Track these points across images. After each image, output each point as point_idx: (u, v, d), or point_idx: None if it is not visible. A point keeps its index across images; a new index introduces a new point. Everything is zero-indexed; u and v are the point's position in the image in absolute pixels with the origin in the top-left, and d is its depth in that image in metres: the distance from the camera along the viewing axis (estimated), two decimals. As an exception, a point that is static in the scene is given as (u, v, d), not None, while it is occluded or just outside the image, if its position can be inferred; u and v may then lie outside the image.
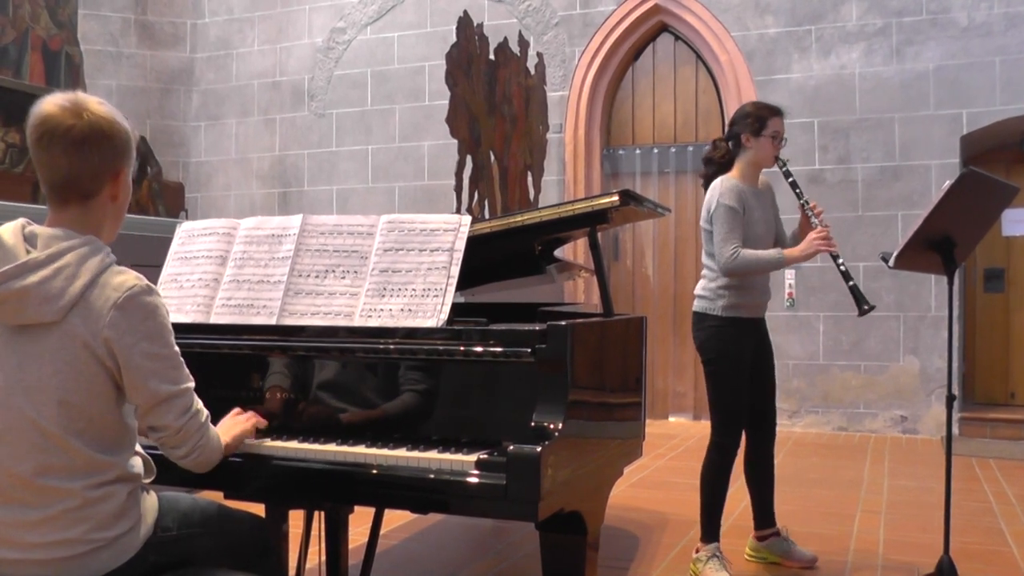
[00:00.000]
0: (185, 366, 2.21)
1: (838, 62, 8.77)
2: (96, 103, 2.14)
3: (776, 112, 4.25)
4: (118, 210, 2.24)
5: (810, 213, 4.15)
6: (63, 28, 9.19)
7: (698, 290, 4.31)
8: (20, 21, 8.75)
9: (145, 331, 2.08)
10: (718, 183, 4.20)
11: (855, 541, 4.90)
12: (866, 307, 3.96)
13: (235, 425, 2.57)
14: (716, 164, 4.33)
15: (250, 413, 2.65)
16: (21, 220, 2.13)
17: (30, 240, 2.08)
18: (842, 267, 4.04)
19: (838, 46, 8.77)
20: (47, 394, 2.03)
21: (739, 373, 4.20)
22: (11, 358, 2.05)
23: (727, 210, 4.10)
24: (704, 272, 4.29)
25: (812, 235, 4.09)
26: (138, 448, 2.27)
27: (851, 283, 4.01)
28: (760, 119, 4.21)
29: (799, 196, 4.17)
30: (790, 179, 4.20)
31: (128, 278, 2.09)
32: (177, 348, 2.18)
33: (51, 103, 2.10)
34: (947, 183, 3.67)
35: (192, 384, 2.22)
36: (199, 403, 2.23)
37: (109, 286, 2.06)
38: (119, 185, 2.20)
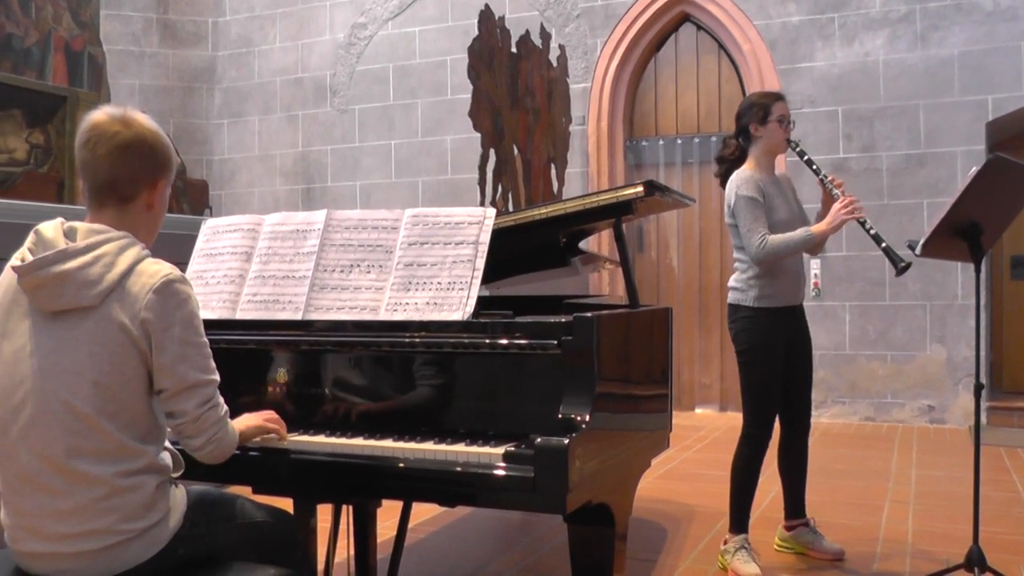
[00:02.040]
0: (212, 359, 2.25)
1: (862, 49, 8.71)
2: (144, 118, 2.28)
3: (778, 97, 4.28)
4: (153, 220, 2.33)
5: (830, 186, 4.14)
6: (85, 29, 9.24)
7: (731, 282, 4.31)
8: (43, 23, 8.80)
9: (180, 317, 2.15)
10: (734, 177, 4.21)
11: (883, 532, 4.87)
12: (902, 264, 3.89)
13: (255, 418, 2.61)
14: (728, 161, 4.35)
15: (274, 416, 2.67)
16: (60, 219, 2.22)
17: (69, 235, 2.16)
18: (871, 231, 3.99)
19: (862, 33, 8.71)
20: (82, 376, 2.08)
21: (771, 364, 4.18)
22: (47, 343, 2.11)
23: (747, 201, 4.09)
24: (736, 264, 4.28)
25: (836, 206, 4.07)
26: (167, 444, 2.30)
27: (883, 244, 3.94)
28: (764, 107, 4.23)
29: (816, 172, 4.17)
30: (805, 157, 4.22)
31: (164, 267, 2.18)
32: (207, 339, 2.24)
33: (103, 112, 2.24)
34: (973, 169, 3.64)
35: (217, 378, 2.25)
36: (220, 399, 2.27)
37: (146, 273, 2.14)
38: (156, 195, 2.30)
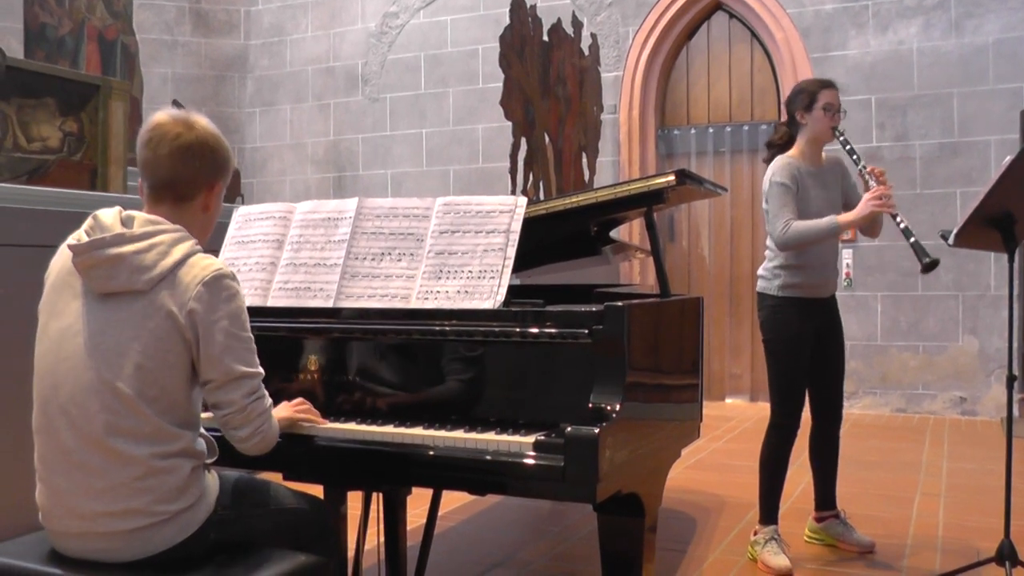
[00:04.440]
0: (257, 354, 2.28)
1: (896, 37, 8.64)
2: (205, 121, 2.34)
3: (826, 84, 4.22)
4: (207, 220, 2.39)
5: (867, 176, 4.09)
6: (118, 18, 9.27)
7: (759, 270, 4.31)
8: (76, 12, 8.84)
9: (227, 311, 2.19)
10: (773, 163, 4.21)
11: (914, 524, 4.85)
12: (927, 260, 3.80)
13: (286, 410, 2.63)
14: (777, 146, 4.32)
15: (308, 406, 2.69)
16: (118, 207, 2.26)
17: (127, 223, 2.21)
18: (901, 224, 3.90)
19: (895, 21, 8.63)
20: (126, 357, 2.11)
21: (796, 354, 4.17)
22: (95, 323, 2.15)
23: (778, 187, 4.08)
24: (765, 252, 4.28)
25: (867, 196, 4.01)
26: (202, 430, 2.33)
27: (912, 239, 3.87)
28: (810, 93, 4.19)
29: (857, 162, 4.12)
30: (848, 147, 4.15)
31: (215, 262, 2.22)
32: (252, 335, 2.27)
33: (165, 114, 2.30)
34: (1008, 159, 3.60)
35: (262, 372, 2.29)
36: (265, 391, 2.29)
37: (197, 266, 2.19)
38: (212, 197, 2.36)
